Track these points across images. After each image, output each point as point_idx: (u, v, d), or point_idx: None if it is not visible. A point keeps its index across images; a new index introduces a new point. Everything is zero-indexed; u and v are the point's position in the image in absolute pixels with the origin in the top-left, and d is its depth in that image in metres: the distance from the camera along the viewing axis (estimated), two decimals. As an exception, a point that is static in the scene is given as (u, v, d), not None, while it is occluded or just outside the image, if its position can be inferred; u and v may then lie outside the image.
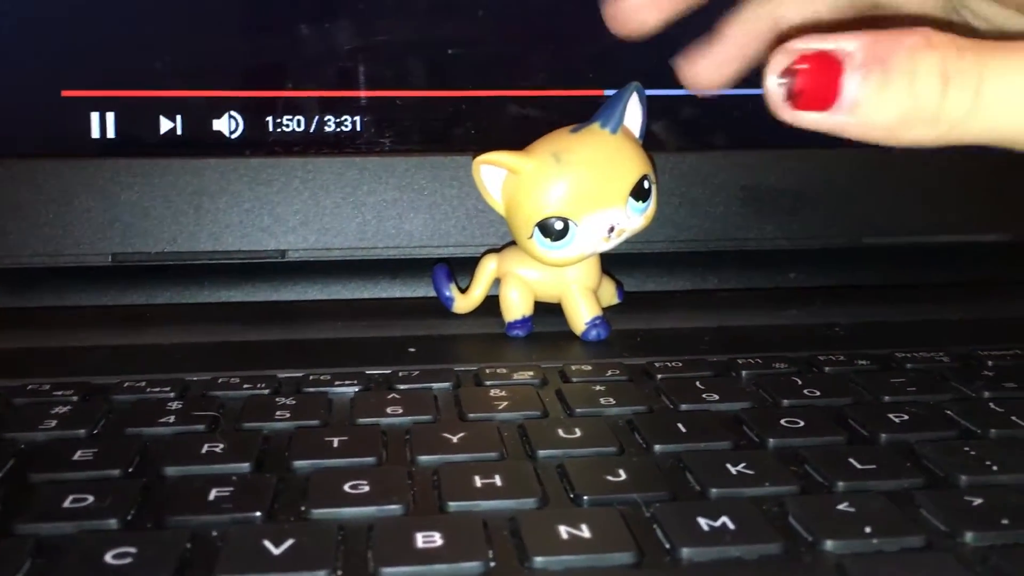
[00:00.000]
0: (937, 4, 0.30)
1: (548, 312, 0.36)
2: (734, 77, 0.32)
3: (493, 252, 0.37)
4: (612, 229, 0.33)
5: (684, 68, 0.32)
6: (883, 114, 0.24)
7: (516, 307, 0.36)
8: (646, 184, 0.33)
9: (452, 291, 0.37)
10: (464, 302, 0.37)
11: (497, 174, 0.34)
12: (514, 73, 0.42)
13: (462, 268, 0.39)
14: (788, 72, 0.25)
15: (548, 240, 0.33)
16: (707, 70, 0.32)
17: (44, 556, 0.20)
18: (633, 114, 0.34)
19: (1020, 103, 0.23)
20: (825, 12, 0.31)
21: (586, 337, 0.35)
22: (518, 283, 0.36)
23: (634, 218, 0.33)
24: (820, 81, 0.24)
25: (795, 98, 0.25)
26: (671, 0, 0.30)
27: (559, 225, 0.32)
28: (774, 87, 0.25)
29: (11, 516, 0.22)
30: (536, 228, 0.33)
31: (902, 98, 0.23)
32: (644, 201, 0.33)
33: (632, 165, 0.33)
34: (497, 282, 0.37)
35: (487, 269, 0.37)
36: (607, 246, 0.33)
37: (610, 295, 0.38)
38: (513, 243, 0.35)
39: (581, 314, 0.35)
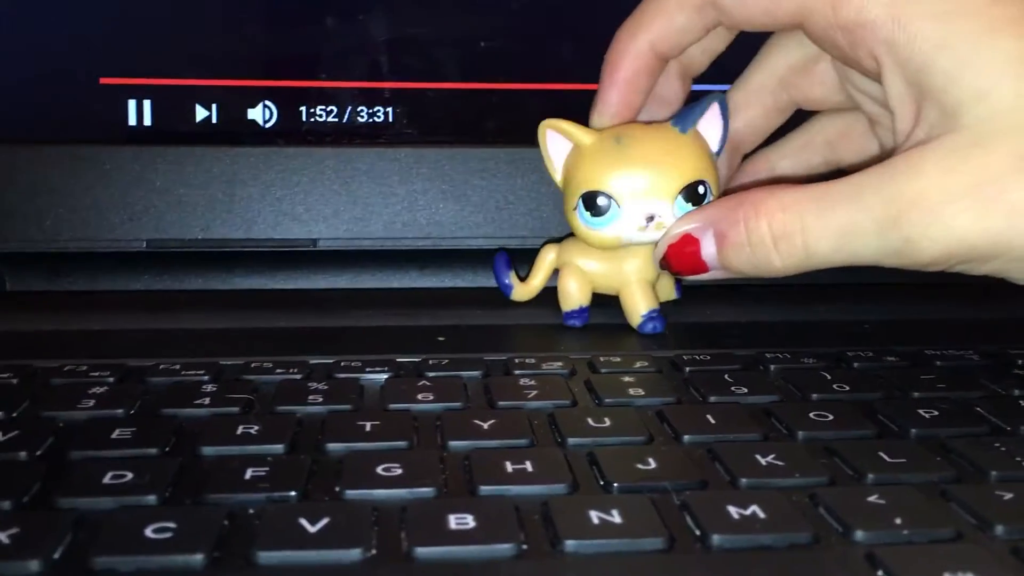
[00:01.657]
0: (835, 87, 0.35)
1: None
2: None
3: (553, 243, 0.37)
4: (652, 219, 0.32)
5: None
6: (742, 269, 0.31)
7: (574, 297, 0.36)
8: (701, 189, 0.33)
9: (512, 279, 0.38)
10: (523, 290, 0.38)
11: (563, 145, 0.34)
12: (547, 66, 0.42)
13: (487, 259, 0.39)
14: (664, 259, 0.33)
15: (588, 214, 0.33)
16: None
17: (84, 530, 0.21)
18: (712, 124, 0.34)
19: (841, 245, 0.28)
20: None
21: (642, 330, 0.35)
22: (577, 273, 0.36)
23: None
24: (687, 259, 0.32)
25: (679, 273, 0.32)
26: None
27: (602, 201, 0.32)
28: (660, 270, 0.34)
29: (51, 490, 0.22)
30: (580, 200, 0.33)
31: (748, 259, 0.30)
32: (697, 207, 0.33)
33: (690, 166, 0.33)
34: (556, 272, 0.37)
35: (547, 259, 0.37)
36: (643, 236, 0.33)
37: (668, 290, 0.38)
38: (572, 234, 0.36)
39: (638, 307, 0.35)
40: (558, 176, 0.35)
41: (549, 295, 0.37)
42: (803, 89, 0.35)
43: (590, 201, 0.33)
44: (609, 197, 0.32)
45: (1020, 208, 0.26)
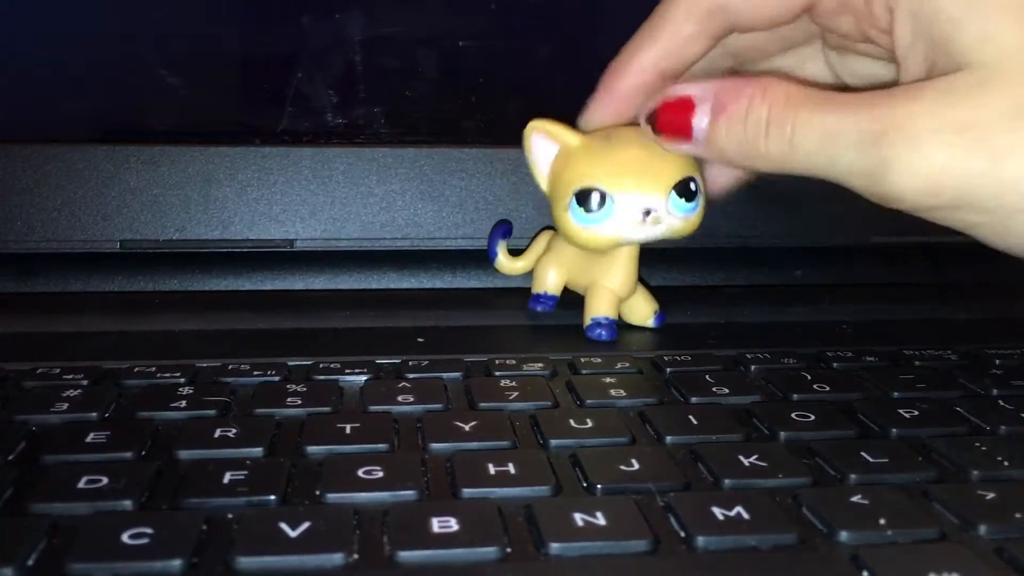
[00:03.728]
0: (819, 64, 0.34)
1: (560, 305, 0.37)
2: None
3: (551, 229, 0.37)
4: (648, 213, 0.32)
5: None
6: (726, 147, 0.29)
7: (544, 282, 0.37)
8: (692, 185, 0.32)
9: (500, 248, 0.38)
10: (505, 262, 0.38)
11: (548, 148, 0.34)
12: (526, 66, 0.42)
13: (465, 260, 0.39)
14: (653, 114, 0.31)
15: (582, 211, 0.32)
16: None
17: (59, 536, 0.20)
18: None
19: (822, 147, 0.27)
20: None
21: (587, 334, 0.35)
22: (556, 261, 0.36)
23: (674, 215, 0.32)
24: (676, 121, 0.30)
25: (660, 133, 0.31)
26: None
27: (596, 196, 0.32)
28: (644, 125, 0.32)
29: (25, 496, 0.22)
30: (573, 197, 0.32)
31: (737, 137, 0.29)
32: (689, 202, 0.32)
33: (681, 162, 0.32)
34: None
35: (539, 243, 0.38)
36: (641, 232, 0.32)
37: (643, 316, 0.37)
38: None
39: (589, 310, 0.35)
40: (544, 180, 0.34)
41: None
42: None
43: (583, 198, 0.32)
44: (603, 193, 0.32)
45: (1004, 152, 0.25)
